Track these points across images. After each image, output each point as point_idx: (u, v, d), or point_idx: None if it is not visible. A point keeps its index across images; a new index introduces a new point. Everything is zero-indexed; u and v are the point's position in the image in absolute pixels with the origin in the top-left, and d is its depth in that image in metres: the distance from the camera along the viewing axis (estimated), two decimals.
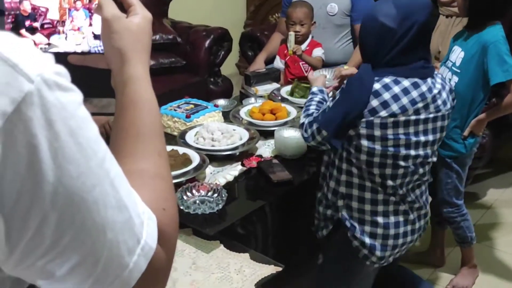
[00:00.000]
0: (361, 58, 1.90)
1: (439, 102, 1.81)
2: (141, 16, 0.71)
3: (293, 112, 2.48)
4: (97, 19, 0.76)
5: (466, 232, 2.36)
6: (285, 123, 2.39)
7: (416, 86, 1.76)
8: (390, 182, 1.84)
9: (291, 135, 2.26)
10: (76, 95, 0.48)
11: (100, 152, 0.49)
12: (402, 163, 1.80)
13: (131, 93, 0.66)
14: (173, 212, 0.60)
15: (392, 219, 1.90)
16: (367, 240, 1.90)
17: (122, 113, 0.65)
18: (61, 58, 0.57)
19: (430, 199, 2.08)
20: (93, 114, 0.51)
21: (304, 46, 3.04)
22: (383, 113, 1.72)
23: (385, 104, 1.72)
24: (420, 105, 1.75)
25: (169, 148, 2.08)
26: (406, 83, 1.75)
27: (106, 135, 0.98)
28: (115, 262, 0.50)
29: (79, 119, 0.47)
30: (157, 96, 0.69)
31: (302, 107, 2.49)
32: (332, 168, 1.94)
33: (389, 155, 1.78)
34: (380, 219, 1.89)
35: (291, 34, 2.94)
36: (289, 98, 2.67)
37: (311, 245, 2.51)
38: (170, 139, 2.33)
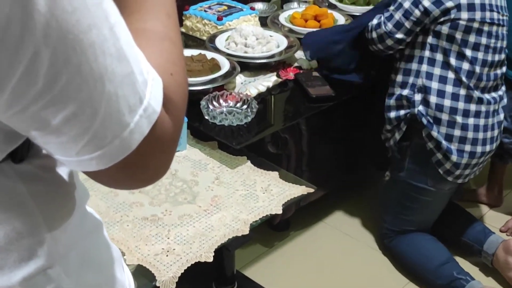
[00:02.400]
0: None
1: None
2: None
3: (341, 20, 2.44)
4: None
5: None
6: None
7: None
8: (471, 66, 1.94)
9: None
10: None
11: None
12: (486, 28, 1.93)
13: None
14: (182, 80, 0.61)
15: (471, 120, 1.97)
16: (443, 141, 1.97)
17: None
18: None
19: (501, 116, 2.10)
20: None
21: None
22: None
23: None
24: None
25: (196, 52, 2.09)
26: None
27: None
28: (114, 118, 0.52)
29: None
30: None
31: (351, 15, 2.46)
32: (410, 62, 2.02)
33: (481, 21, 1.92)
34: (459, 118, 1.96)
35: None
36: (337, 4, 2.62)
37: (354, 171, 2.54)
38: (199, 44, 2.34)
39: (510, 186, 2.64)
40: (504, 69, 2.06)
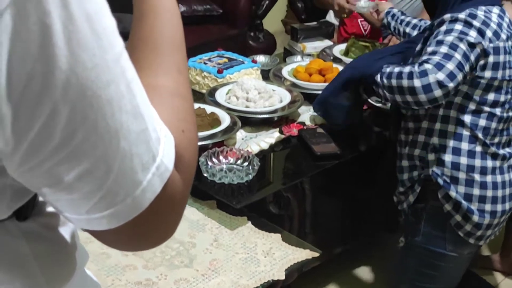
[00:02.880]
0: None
1: None
2: None
3: None
4: None
5: None
6: None
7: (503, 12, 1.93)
8: (487, 123, 1.93)
9: None
10: None
11: (117, 46, 0.52)
12: (505, 85, 1.93)
13: (151, 0, 0.68)
14: (193, 136, 0.63)
15: (489, 178, 1.95)
16: (463, 201, 1.95)
17: (140, 22, 0.68)
18: None
19: None
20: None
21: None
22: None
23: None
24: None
25: (195, 106, 2.09)
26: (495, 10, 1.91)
27: None
28: (128, 177, 0.53)
29: (97, 4, 0.50)
30: (187, 49, 0.73)
31: None
32: (421, 120, 2.01)
33: (501, 79, 1.91)
34: (477, 176, 1.94)
35: None
36: (343, 58, 2.65)
37: (360, 233, 2.51)
38: (198, 97, 2.35)
39: None
40: None
